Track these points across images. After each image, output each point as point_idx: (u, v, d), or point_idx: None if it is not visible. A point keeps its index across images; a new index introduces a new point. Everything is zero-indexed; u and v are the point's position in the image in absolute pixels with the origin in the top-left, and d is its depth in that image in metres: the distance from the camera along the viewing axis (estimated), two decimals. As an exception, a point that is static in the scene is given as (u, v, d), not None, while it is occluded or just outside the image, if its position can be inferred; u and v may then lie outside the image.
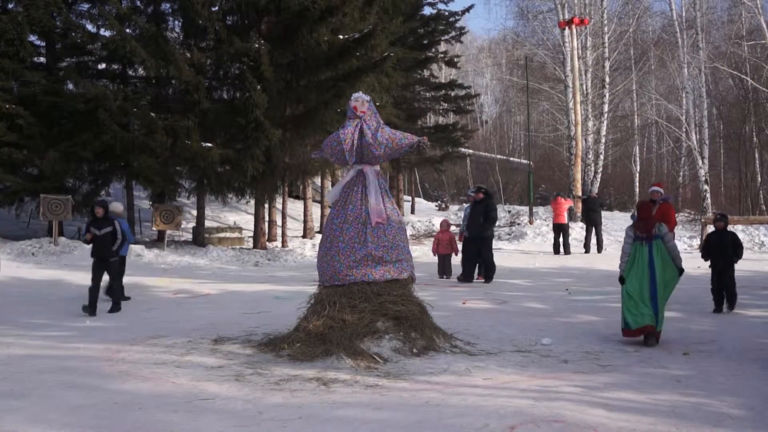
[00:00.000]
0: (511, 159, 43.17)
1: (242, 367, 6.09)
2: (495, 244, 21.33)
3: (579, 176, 24.63)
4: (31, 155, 17.16)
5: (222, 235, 20.34)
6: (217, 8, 17.74)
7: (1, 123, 16.42)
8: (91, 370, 6.06)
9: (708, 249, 9.64)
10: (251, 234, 20.08)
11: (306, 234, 22.44)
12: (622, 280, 7.41)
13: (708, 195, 26.81)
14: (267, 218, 19.96)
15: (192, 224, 21.09)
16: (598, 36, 28.53)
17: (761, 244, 19.21)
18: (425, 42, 28.69)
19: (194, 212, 20.88)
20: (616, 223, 22.94)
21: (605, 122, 28.55)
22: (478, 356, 6.54)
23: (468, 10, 29.00)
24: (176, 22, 19.35)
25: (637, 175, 36.49)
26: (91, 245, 9.52)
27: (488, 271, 13.13)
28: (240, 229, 21.44)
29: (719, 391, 5.34)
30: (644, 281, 7.22)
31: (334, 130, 8.53)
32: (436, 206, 36.09)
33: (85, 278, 12.23)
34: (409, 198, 35.02)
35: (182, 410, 4.86)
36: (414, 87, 28.68)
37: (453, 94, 30.60)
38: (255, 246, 18.82)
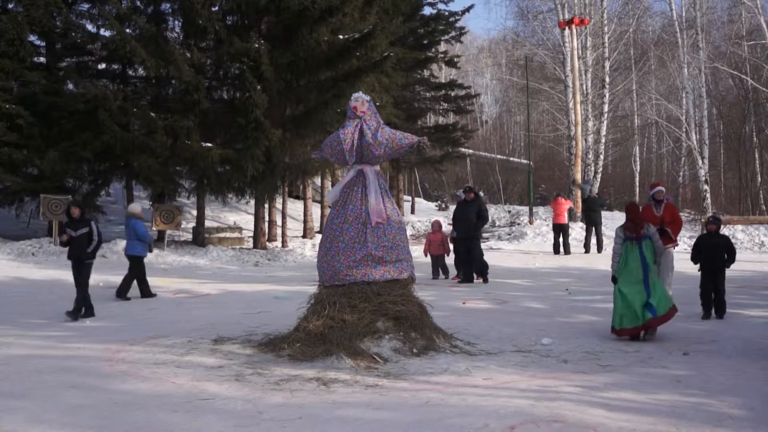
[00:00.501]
0: (511, 159, 43.19)
1: (242, 367, 6.09)
2: (495, 244, 21.47)
3: (579, 176, 24.63)
4: (31, 155, 17.17)
5: (222, 235, 20.33)
6: (217, 8, 17.75)
7: (1, 123, 16.43)
8: (91, 370, 6.06)
9: (698, 251, 9.00)
10: (251, 234, 20.07)
11: (306, 234, 22.44)
12: (614, 279, 7.58)
13: (708, 195, 26.82)
14: (267, 218, 19.96)
15: (192, 224, 21.09)
16: (598, 36, 28.54)
17: (761, 244, 19.21)
18: (425, 42, 28.70)
19: (194, 212, 20.88)
20: (617, 223, 22.64)
21: (605, 122, 28.56)
22: (478, 356, 6.54)
23: (468, 10, 29.05)
24: (176, 22, 19.37)
25: (637, 175, 36.50)
26: (67, 247, 9.16)
27: (482, 270, 13.03)
28: (240, 229, 21.43)
29: (719, 391, 5.33)
30: (637, 280, 7.36)
31: (334, 130, 8.53)
32: (436, 206, 36.08)
33: (85, 278, 12.24)
34: (409, 198, 35.02)
35: (182, 410, 4.86)
36: (414, 87, 28.69)
37: (453, 94, 30.61)
38: (255, 246, 18.81)
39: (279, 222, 21.21)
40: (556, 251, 18.37)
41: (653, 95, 34.32)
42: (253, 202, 20.08)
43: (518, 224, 25.97)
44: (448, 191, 43.98)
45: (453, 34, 30.47)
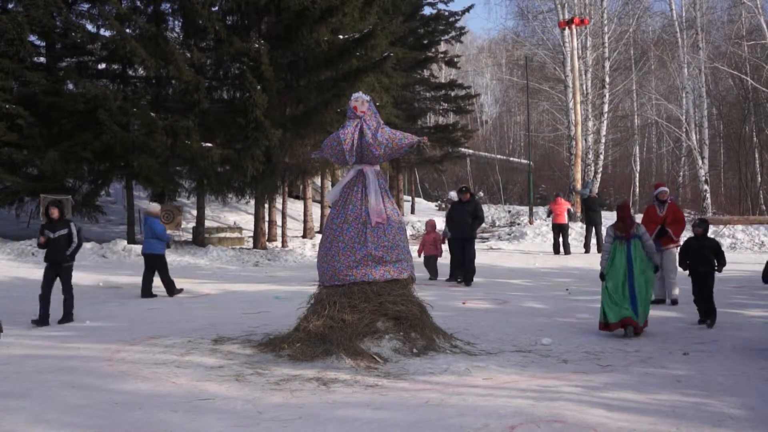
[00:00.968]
0: (511, 159, 43.17)
1: (242, 367, 6.09)
2: (495, 244, 21.48)
3: (579, 176, 24.63)
4: (31, 155, 17.14)
5: (222, 235, 20.32)
6: (217, 8, 17.75)
7: (1, 123, 16.41)
8: (91, 370, 6.06)
9: (687, 256, 8.51)
10: (251, 234, 20.07)
11: (306, 234, 22.44)
12: (602, 276, 7.77)
13: (708, 195, 26.83)
14: (267, 218, 19.95)
15: (192, 224, 21.08)
16: (598, 36, 28.55)
17: (761, 244, 19.20)
18: (425, 42, 28.68)
19: (194, 212, 20.88)
20: (617, 223, 22.89)
21: (605, 122, 28.56)
22: (478, 356, 6.54)
23: (468, 10, 29.02)
24: (176, 22, 19.34)
25: (637, 175, 36.50)
26: (45, 249, 8.71)
27: (468, 272, 12.74)
28: (240, 229, 21.42)
29: (719, 391, 5.34)
30: (623, 278, 7.58)
31: (334, 130, 8.53)
32: (436, 206, 36.08)
33: (85, 278, 12.27)
34: (409, 198, 35.01)
35: (182, 410, 4.86)
36: (414, 87, 28.67)
37: (453, 94, 30.58)
38: (255, 246, 18.81)
39: (279, 222, 21.21)
40: (556, 251, 18.38)
41: (653, 95, 34.34)
42: (253, 202, 20.08)
43: (518, 224, 25.97)
44: (448, 191, 44.01)
45: (453, 34, 30.45)
